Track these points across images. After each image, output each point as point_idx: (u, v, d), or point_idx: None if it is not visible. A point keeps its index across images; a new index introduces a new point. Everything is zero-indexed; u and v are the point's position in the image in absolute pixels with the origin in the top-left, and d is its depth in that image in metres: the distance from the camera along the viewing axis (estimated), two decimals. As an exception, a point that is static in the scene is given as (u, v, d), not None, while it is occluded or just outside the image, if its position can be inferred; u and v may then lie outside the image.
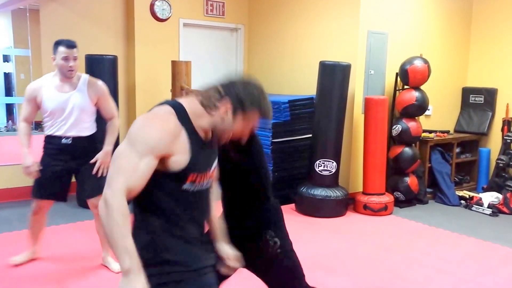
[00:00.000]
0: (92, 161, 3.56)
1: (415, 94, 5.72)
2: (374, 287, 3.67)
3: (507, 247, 4.59)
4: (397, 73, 5.96)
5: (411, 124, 5.74)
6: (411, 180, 5.79)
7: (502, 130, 6.57)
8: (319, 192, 5.31)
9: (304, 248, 4.40)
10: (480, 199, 5.87)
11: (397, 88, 6.04)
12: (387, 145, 5.73)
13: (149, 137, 1.62)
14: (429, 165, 6.27)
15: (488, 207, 5.73)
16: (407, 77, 5.71)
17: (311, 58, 6.08)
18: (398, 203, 5.80)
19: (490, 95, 6.75)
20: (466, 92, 6.99)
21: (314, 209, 5.33)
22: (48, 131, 3.53)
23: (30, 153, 3.48)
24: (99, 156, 3.57)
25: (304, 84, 6.20)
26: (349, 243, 4.61)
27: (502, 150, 6.36)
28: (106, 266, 3.78)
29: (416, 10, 6.22)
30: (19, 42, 6.15)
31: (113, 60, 5.46)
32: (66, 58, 3.39)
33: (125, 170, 1.58)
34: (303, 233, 4.81)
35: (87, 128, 3.59)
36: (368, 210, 5.47)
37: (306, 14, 6.29)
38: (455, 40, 6.80)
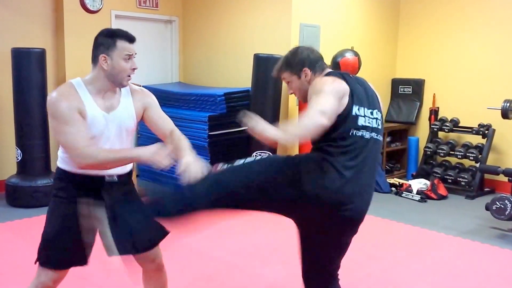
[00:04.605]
0: None
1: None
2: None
3: (434, 231, 4.83)
4: (329, 66, 6.07)
5: (344, 115, 5.87)
6: (344, 170, 5.95)
7: (429, 119, 6.88)
8: (256, 183, 5.35)
9: (239, 239, 4.45)
10: (410, 186, 6.13)
11: (330, 80, 6.17)
12: (321, 136, 5.86)
13: None
14: (362, 154, 6.45)
15: (417, 193, 5.99)
16: (339, 69, 5.85)
17: (246, 51, 6.11)
18: (333, 192, 5.93)
19: (417, 86, 7.04)
20: (395, 83, 7.25)
21: (251, 200, 5.37)
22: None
23: None
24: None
25: (240, 77, 6.23)
26: (284, 233, 4.65)
27: (430, 139, 6.67)
28: None
29: (347, 4, 6.38)
30: None
31: (41, 53, 5.27)
32: (129, 57, 2.33)
33: None
34: (237, 224, 4.82)
35: None
36: (304, 200, 5.57)
37: (240, 6, 6.30)
38: (385, 33, 7.03)
